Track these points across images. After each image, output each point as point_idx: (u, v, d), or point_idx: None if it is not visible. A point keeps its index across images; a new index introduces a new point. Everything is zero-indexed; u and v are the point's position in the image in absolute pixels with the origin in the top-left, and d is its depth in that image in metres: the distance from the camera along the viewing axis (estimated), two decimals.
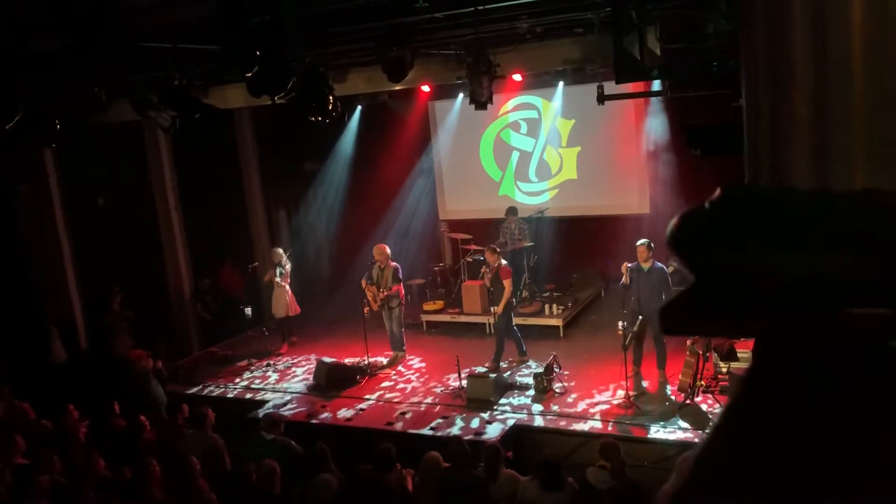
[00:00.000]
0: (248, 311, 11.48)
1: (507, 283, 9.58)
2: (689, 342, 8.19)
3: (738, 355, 7.84)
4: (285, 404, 9.31)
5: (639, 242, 8.65)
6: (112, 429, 7.72)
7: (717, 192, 0.88)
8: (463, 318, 11.37)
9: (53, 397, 8.18)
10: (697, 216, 0.88)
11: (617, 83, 7.23)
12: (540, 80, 11.78)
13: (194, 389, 10.05)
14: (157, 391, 8.91)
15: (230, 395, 9.91)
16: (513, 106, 13.12)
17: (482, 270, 10.15)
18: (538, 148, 13.11)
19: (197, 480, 6.07)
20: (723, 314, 0.84)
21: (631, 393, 8.33)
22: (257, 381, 10.30)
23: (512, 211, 12.07)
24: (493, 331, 10.22)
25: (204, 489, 6.04)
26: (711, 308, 0.85)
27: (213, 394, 9.95)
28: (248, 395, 9.82)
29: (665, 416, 7.90)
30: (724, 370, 8.17)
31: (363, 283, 10.27)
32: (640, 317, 8.43)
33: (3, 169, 12.43)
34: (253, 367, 10.81)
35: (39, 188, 12.37)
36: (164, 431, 7.49)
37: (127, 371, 9.21)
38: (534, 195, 13.20)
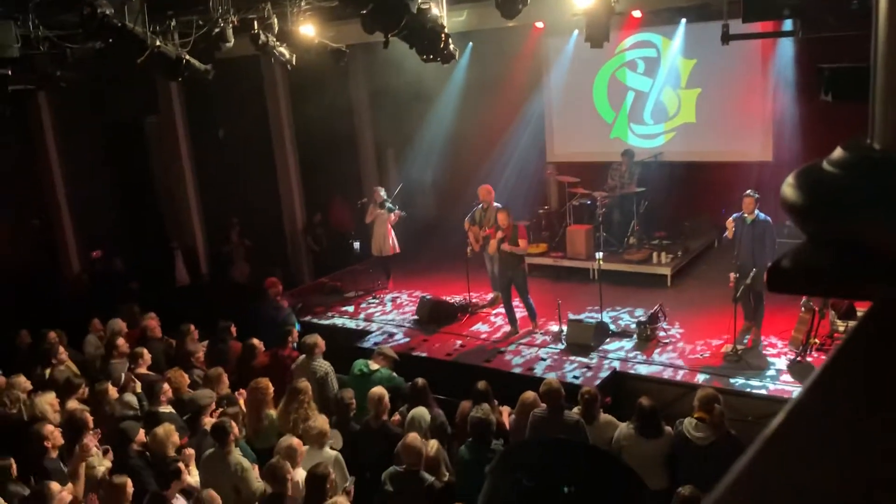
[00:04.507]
0: (357, 245, 11.79)
1: (524, 244, 9.13)
2: (804, 297, 7.83)
3: (858, 314, 7.43)
4: (389, 336, 9.63)
5: (746, 193, 8.27)
6: (228, 351, 8.24)
7: (837, 150, 0.83)
8: (566, 262, 11.26)
9: (176, 317, 8.78)
10: (817, 176, 0.83)
11: (744, 21, 6.78)
12: (660, 17, 11.26)
13: (305, 318, 10.53)
14: (289, 317, 9.32)
15: (337, 324, 10.33)
16: (630, 44, 12.60)
17: (495, 234, 9.13)
18: (655, 89, 12.59)
19: (309, 402, 6.53)
20: (840, 276, 0.80)
21: (738, 347, 8.10)
22: (363, 312, 10.68)
23: (629, 153, 11.72)
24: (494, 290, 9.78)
25: (314, 410, 6.48)
26: (827, 269, 0.81)
27: (322, 322, 10.39)
28: (354, 326, 10.21)
29: (772, 372, 7.65)
30: (841, 329, 7.78)
31: (466, 223, 10.30)
32: (754, 269, 8.11)
33: (134, 102, 13.14)
34: (359, 300, 11.19)
35: (166, 121, 13.04)
36: (278, 356, 7.92)
37: (247, 295, 9.72)
38: (648, 138, 12.75)
